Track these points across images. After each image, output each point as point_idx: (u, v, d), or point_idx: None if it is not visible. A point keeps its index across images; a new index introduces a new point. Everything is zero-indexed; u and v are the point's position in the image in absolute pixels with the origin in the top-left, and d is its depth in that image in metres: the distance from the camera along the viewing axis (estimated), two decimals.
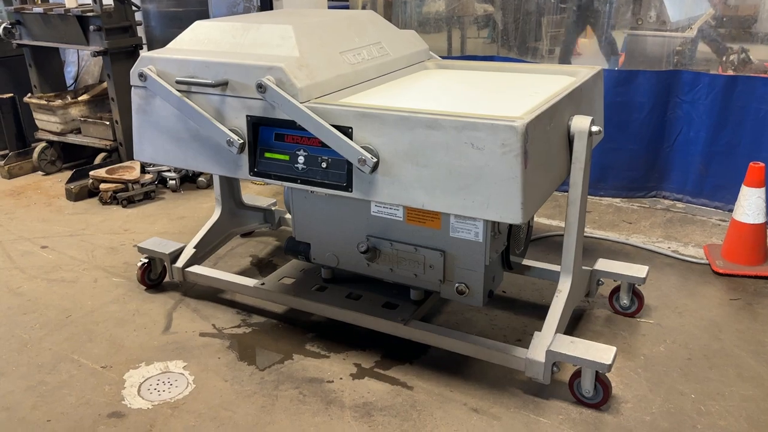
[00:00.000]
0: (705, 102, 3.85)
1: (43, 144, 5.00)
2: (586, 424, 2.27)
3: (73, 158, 5.15)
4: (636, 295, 2.88)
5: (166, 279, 3.23)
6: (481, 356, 2.47)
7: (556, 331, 2.39)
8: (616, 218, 3.91)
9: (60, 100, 4.89)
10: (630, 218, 3.91)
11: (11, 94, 5.13)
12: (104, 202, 4.34)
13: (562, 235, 2.49)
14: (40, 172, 5.03)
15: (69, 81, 5.88)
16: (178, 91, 2.49)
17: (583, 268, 2.77)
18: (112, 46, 4.47)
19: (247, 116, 2.41)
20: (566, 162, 2.40)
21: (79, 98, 4.94)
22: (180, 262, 3.13)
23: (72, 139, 4.89)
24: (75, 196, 4.43)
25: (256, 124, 2.42)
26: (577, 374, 2.33)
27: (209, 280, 3.07)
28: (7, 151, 5.07)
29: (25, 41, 4.90)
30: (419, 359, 2.63)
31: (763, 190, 3.23)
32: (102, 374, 2.60)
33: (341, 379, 2.54)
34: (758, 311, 2.92)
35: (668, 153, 4.07)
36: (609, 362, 2.24)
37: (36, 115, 5.00)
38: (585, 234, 3.66)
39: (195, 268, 3.12)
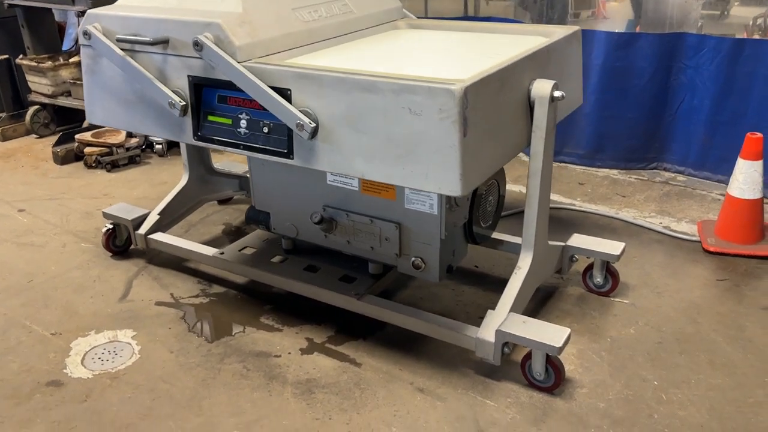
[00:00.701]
0: (710, 67, 3.59)
1: (36, 107, 4.97)
2: (534, 409, 2.14)
3: (67, 122, 5.11)
4: (610, 273, 2.71)
5: (133, 246, 3.17)
6: (432, 334, 2.35)
7: (512, 310, 2.25)
8: (609, 191, 3.71)
9: (50, 62, 4.83)
10: (625, 191, 3.70)
11: (6, 56, 5.09)
12: (89, 166, 4.29)
13: (556, 209, 2.34)
14: (33, 135, 5.00)
15: (70, 44, 5.83)
16: (121, 49, 2.38)
17: (553, 243, 2.61)
18: (96, 5, 4.36)
19: (188, 76, 2.29)
20: (526, 129, 2.22)
21: (70, 60, 4.87)
22: (143, 229, 3.06)
23: (63, 101, 4.84)
24: (61, 160, 4.39)
25: (198, 85, 2.30)
26: (529, 356, 2.20)
27: (170, 248, 2.99)
28: (2, 114, 5.06)
29: (16, 1, 4.84)
30: (374, 336, 2.52)
31: (760, 163, 3.00)
32: (50, 341, 2.55)
33: (289, 353, 2.45)
34: (745, 293, 2.73)
35: (670, 122, 3.82)
36: (559, 344, 2.10)
37: (28, 77, 4.95)
38: (573, 207, 3.49)
39: (158, 236, 3.04)
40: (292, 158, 2.16)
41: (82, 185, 4.04)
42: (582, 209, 3.49)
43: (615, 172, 3.96)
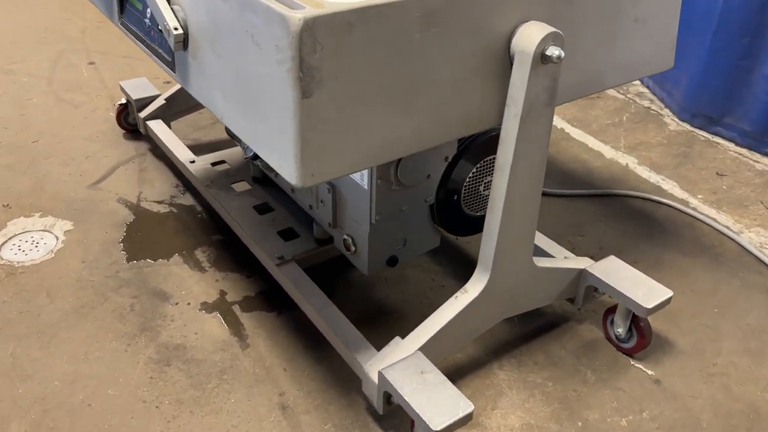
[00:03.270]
0: None
1: None
2: None
3: None
4: (637, 328, 1.84)
5: None
6: (331, 341, 1.77)
7: (427, 350, 1.58)
8: (753, 194, 2.60)
9: None
10: None
11: None
12: None
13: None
14: None
15: None
16: None
17: (551, 264, 1.79)
18: None
19: None
20: (497, 100, 1.43)
21: None
22: (144, 112, 2.75)
23: None
24: None
25: None
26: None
27: (158, 140, 2.65)
28: None
29: None
30: (292, 313, 2.00)
31: None
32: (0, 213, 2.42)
33: (188, 304, 2.03)
34: None
35: None
36: (439, 428, 1.42)
37: None
38: (673, 205, 2.49)
39: (155, 123, 2.72)
40: (174, 71, 1.63)
41: None
42: (686, 211, 2.49)
43: None
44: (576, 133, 3.00)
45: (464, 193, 1.81)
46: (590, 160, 2.80)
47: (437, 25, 1.25)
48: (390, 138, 1.30)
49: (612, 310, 1.89)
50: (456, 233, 1.90)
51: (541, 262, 1.75)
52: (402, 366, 1.54)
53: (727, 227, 2.41)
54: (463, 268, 2.19)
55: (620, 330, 1.86)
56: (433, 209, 1.82)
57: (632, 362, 1.86)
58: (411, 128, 1.32)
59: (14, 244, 2.26)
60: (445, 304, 1.65)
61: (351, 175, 1.71)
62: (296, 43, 1.11)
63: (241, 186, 2.31)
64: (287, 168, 1.22)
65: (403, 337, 1.64)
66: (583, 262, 1.88)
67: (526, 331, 1.95)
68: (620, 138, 2.97)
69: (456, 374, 1.82)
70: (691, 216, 2.47)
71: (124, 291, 2.07)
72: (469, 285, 1.65)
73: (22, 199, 2.49)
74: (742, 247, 2.32)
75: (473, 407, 1.45)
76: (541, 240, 2.05)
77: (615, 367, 1.85)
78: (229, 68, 1.34)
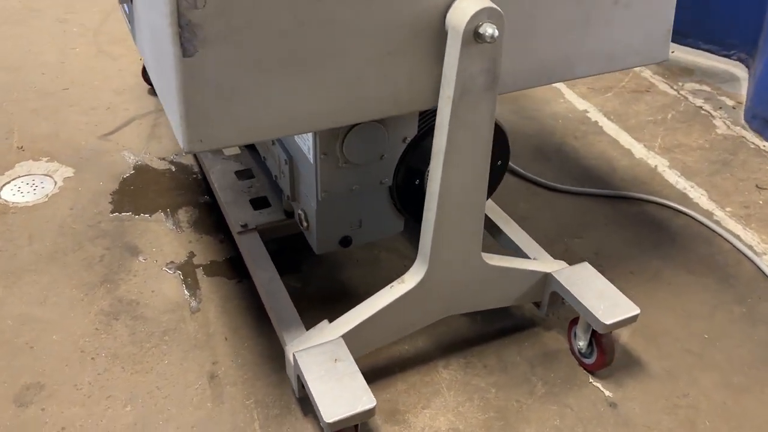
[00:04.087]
0: None
1: None
2: None
3: None
4: (597, 344, 1.68)
5: None
6: (268, 313, 1.71)
7: (351, 337, 1.50)
8: None
9: None
10: None
11: None
12: None
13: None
14: None
15: None
16: None
17: (507, 264, 1.65)
18: None
19: None
20: (432, 79, 1.31)
21: None
22: None
23: None
24: None
25: None
26: None
27: None
28: None
29: None
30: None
31: None
32: (7, 153, 2.51)
33: (155, 261, 2.03)
34: None
35: None
36: (330, 420, 1.34)
37: None
38: (702, 221, 2.25)
39: None
40: (131, 25, 1.60)
41: None
42: (706, 223, 2.24)
43: None
44: (610, 128, 2.78)
45: (428, 178, 1.70)
46: (616, 158, 2.59)
47: None
48: (294, 110, 1.21)
49: (577, 320, 1.73)
50: (419, 220, 1.79)
51: (495, 260, 1.62)
52: (317, 351, 1.47)
53: (750, 247, 2.16)
54: None
55: (581, 344, 1.70)
56: (393, 192, 1.73)
57: (591, 380, 1.71)
58: (320, 101, 1.23)
59: (15, 185, 2.35)
60: (378, 293, 1.56)
61: (301, 148, 1.64)
62: None
63: (232, 150, 2.29)
64: (177, 130, 1.17)
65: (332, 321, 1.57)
66: (550, 266, 1.73)
67: (485, 331, 1.83)
68: (657, 137, 2.72)
69: (397, 366, 1.73)
70: (711, 230, 2.23)
71: (99, 241, 2.11)
72: (406, 275, 1.55)
73: (37, 142, 2.58)
74: (761, 270, 2.07)
75: (375, 403, 1.37)
76: (519, 236, 1.91)
77: (570, 383, 1.70)
78: (147, 21, 1.30)
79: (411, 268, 1.56)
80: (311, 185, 1.65)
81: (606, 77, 3.15)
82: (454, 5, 1.23)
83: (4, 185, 2.34)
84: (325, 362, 1.45)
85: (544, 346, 1.80)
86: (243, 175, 2.16)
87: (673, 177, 2.49)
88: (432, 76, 1.30)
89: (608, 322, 1.57)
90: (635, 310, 1.61)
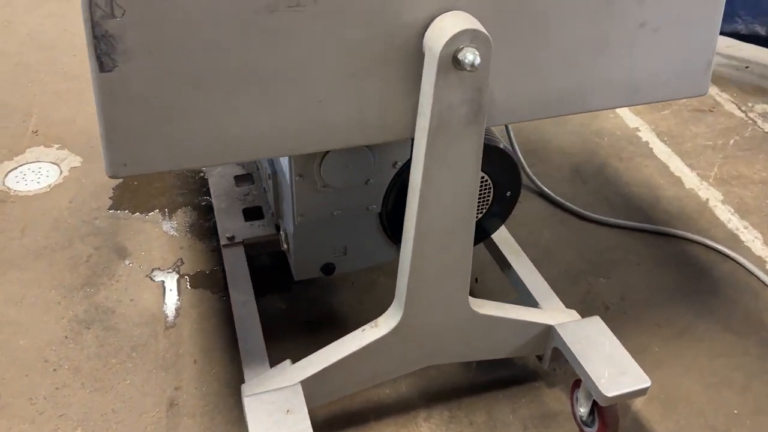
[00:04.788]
0: None
1: None
2: None
3: None
4: (599, 414, 1.45)
5: None
6: (238, 343, 1.57)
7: (310, 384, 1.34)
8: None
9: None
10: None
11: None
12: None
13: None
14: None
15: None
16: None
17: (505, 316, 1.45)
18: None
19: None
20: (409, 107, 1.12)
21: None
22: None
23: None
24: None
25: None
26: None
27: None
28: None
29: None
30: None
31: None
32: (21, 137, 2.46)
33: (140, 266, 1.92)
34: None
35: None
36: None
37: None
38: (752, 270, 1.96)
39: None
40: None
41: None
42: (756, 274, 1.95)
43: None
44: (661, 151, 2.50)
45: None
46: (663, 187, 2.32)
47: (299, 2, 0.97)
48: (239, 134, 1.05)
49: (580, 382, 1.52)
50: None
51: (486, 308, 1.43)
52: (269, 399, 1.32)
53: None
54: None
55: (582, 410, 1.49)
56: (382, 218, 1.55)
57: None
58: (270, 126, 1.06)
59: (21, 173, 2.29)
60: (349, 336, 1.39)
61: (284, 162, 1.48)
62: (86, 2, 0.90)
63: None
64: (103, 151, 1.04)
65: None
66: (554, 317, 1.52)
67: (478, 381, 1.64)
68: (714, 166, 2.43)
69: (373, 413, 1.56)
70: (762, 281, 1.95)
71: (89, 240, 2.02)
72: (380, 319, 1.38)
73: (52, 128, 2.52)
74: None
75: None
76: (529, 274, 1.70)
77: None
78: None
79: (386, 312, 1.38)
80: (289, 205, 1.50)
81: None
82: (433, 24, 1.04)
83: (10, 171, 2.29)
84: (275, 412, 1.29)
85: (543, 405, 1.59)
86: (243, 180, 2.03)
87: (726, 214, 2.21)
88: (409, 104, 1.11)
89: (610, 394, 1.35)
90: (645, 383, 1.38)
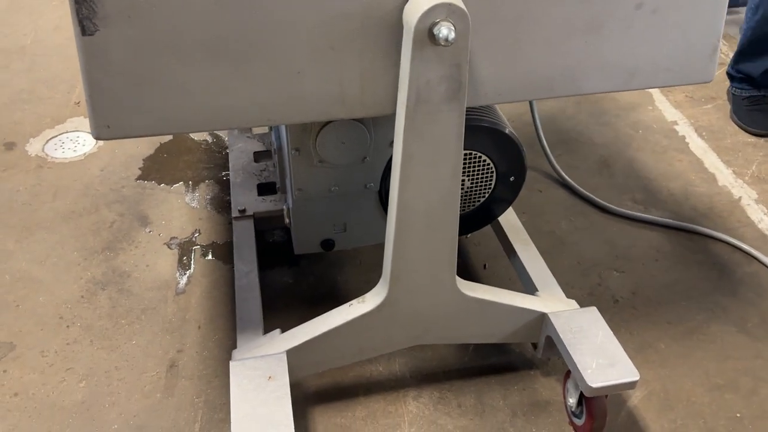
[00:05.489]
0: None
1: None
2: None
3: None
4: (587, 406, 1.42)
5: None
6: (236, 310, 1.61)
7: (292, 352, 1.37)
8: None
9: None
10: None
11: None
12: None
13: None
14: None
15: None
16: None
17: (493, 300, 1.43)
18: None
19: None
20: (390, 82, 1.11)
21: None
22: None
23: None
24: None
25: None
26: None
27: None
28: None
29: None
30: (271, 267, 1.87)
31: None
32: (63, 108, 2.57)
33: (159, 235, 2.00)
34: None
35: None
36: None
37: None
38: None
39: None
40: None
41: None
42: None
43: None
44: (697, 146, 2.41)
45: None
46: (694, 183, 2.24)
47: None
48: (217, 103, 1.08)
49: (570, 373, 1.49)
50: None
51: (476, 291, 1.42)
52: (253, 364, 1.35)
53: None
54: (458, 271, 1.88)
55: (572, 401, 1.46)
56: (381, 197, 1.56)
57: None
58: (249, 97, 1.08)
59: (60, 141, 2.41)
60: (336, 309, 1.41)
61: (282, 140, 1.50)
62: None
63: (260, 129, 2.21)
64: (87, 112, 1.08)
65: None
66: (549, 305, 1.49)
67: (472, 365, 1.63)
68: (752, 164, 2.32)
69: (362, 388, 1.58)
70: None
71: (115, 207, 2.11)
72: (368, 295, 1.39)
73: None
74: None
75: None
76: (533, 262, 1.67)
77: None
78: None
79: (374, 288, 1.39)
80: (290, 180, 1.52)
81: (709, 85, 2.73)
82: (410, 1, 1.03)
83: (50, 139, 2.41)
84: (257, 378, 1.33)
85: (535, 393, 1.57)
86: (262, 156, 2.07)
87: (758, 214, 2.11)
88: (390, 79, 1.12)
89: (595, 384, 1.33)
90: (633, 376, 1.34)
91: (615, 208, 2.10)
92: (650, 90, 2.75)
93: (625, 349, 1.41)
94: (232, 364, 1.36)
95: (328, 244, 1.62)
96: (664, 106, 2.65)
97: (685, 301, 1.82)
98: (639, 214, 2.08)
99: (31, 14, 3.22)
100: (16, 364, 1.62)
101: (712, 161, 2.34)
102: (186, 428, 1.49)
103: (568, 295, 1.61)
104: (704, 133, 2.48)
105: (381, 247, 1.36)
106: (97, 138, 1.08)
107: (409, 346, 1.48)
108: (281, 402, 1.29)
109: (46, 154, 2.33)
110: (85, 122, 2.49)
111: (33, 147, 2.37)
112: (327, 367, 1.45)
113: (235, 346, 1.62)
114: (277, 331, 1.45)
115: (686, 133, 2.49)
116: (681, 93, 2.72)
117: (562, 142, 2.44)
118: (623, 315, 1.77)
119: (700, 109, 2.62)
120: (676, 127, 2.52)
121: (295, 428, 1.25)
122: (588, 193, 2.15)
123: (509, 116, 2.53)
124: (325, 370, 1.49)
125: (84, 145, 2.38)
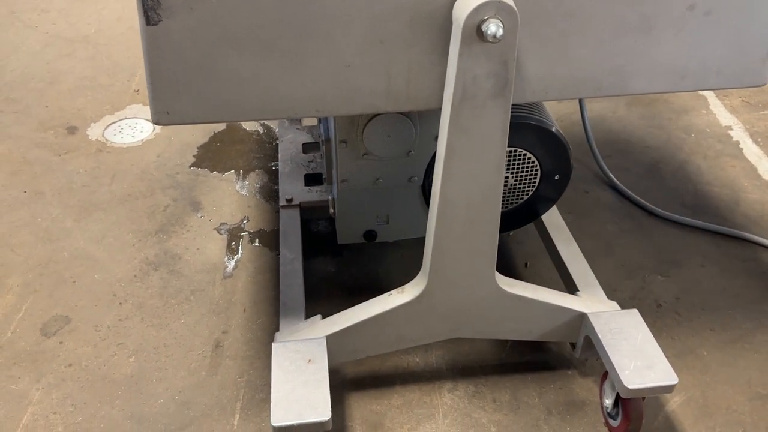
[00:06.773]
0: None
1: None
2: None
3: None
4: (623, 407, 1.41)
5: None
6: (280, 295, 1.65)
7: (332, 337, 1.40)
8: None
9: None
10: None
11: None
12: None
13: None
14: None
15: None
16: None
17: (533, 297, 1.44)
18: None
19: None
20: (438, 77, 1.13)
21: None
22: None
23: None
24: None
25: None
26: None
27: None
28: None
29: None
30: (330, 255, 1.92)
31: None
32: (123, 94, 2.67)
33: (210, 220, 2.06)
34: None
35: None
36: (275, 425, 1.25)
37: None
38: None
39: None
40: None
41: None
42: None
43: None
44: (752, 152, 2.35)
45: None
46: (746, 189, 2.19)
47: None
48: (269, 94, 1.12)
49: (606, 375, 1.49)
50: None
51: (515, 287, 1.43)
52: (294, 347, 1.40)
53: None
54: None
55: (608, 401, 1.46)
56: (425, 191, 1.58)
57: None
58: (299, 88, 1.12)
59: (119, 126, 2.50)
60: (376, 298, 1.44)
61: (330, 132, 1.54)
62: None
63: (310, 121, 2.25)
64: (148, 98, 1.13)
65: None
66: (589, 305, 1.49)
67: (509, 361, 1.64)
68: None
69: (399, 378, 1.61)
70: None
71: (169, 191, 2.19)
72: (407, 286, 1.42)
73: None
74: None
75: (329, 418, 1.27)
76: (575, 262, 1.67)
77: None
78: None
79: (413, 280, 1.42)
80: (335, 171, 1.56)
81: (767, 90, 2.67)
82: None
83: (110, 125, 2.51)
84: (298, 360, 1.37)
85: (571, 393, 1.57)
86: (310, 148, 2.12)
87: None
88: (437, 74, 1.14)
89: (632, 386, 1.33)
90: (671, 380, 1.34)
91: (663, 212, 2.08)
92: (705, 94, 2.69)
93: (665, 354, 1.40)
94: (274, 345, 1.41)
95: (370, 235, 1.66)
96: (718, 110, 2.59)
97: (731, 308, 1.79)
98: (688, 219, 2.05)
99: (96, 4, 3.34)
100: (71, 337, 1.71)
101: (766, 168, 2.29)
102: (228, 406, 1.54)
103: (610, 297, 1.61)
104: (759, 139, 2.42)
105: (423, 240, 1.39)
106: (156, 123, 1.13)
107: (447, 338, 1.50)
108: (320, 384, 1.33)
109: (106, 139, 2.43)
110: (143, 109, 2.59)
111: (94, 132, 2.47)
112: (364, 354, 1.49)
113: (277, 330, 1.67)
114: (318, 316, 1.49)
115: (740, 139, 2.43)
116: (737, 97, 2.66)
117: (611, 143, 2.41)
118: (665, 320, 1.75)
119: (756, 115, 2.56)
120: (730, 132, 2.47)
121: (332, 411, 1.29)
122: (636, 196, 2.13)
123: (558, 115, 2.52)
124: (362, 358, 1.53)
125: (142, 132, 2.47)
